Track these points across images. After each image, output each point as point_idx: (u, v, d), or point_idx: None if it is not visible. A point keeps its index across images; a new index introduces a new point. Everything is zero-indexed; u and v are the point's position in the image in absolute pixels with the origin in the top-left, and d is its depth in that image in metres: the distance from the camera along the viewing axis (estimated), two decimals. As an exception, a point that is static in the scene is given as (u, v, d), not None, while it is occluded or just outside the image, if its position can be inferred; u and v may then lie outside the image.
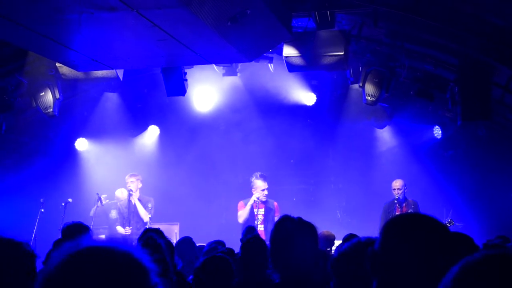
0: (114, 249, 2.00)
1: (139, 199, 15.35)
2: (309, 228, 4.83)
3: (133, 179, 15.47)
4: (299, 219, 4.87)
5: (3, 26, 9.49)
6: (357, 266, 3.47)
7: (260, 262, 6.64)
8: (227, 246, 9.76)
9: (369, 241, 3.71)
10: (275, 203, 15.05)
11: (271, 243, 4.80)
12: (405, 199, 15.06)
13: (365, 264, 2.84)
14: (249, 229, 11.29)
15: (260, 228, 14.60)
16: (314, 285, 4.58)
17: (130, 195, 15.29)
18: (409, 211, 14.47)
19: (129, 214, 15.22)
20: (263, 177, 14.93)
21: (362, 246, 3.67)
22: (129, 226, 15.06)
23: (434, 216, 2.90)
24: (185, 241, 10.59)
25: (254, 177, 14.96)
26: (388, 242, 2.81)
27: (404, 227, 2.84)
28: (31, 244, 8.50)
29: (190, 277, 7.66)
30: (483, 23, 11.31)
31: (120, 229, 15.06)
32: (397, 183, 15.17)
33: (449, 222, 13.81)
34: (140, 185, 15.54)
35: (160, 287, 2.04)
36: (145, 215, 15.12)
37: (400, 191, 15.03)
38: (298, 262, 4.59)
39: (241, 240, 8.84)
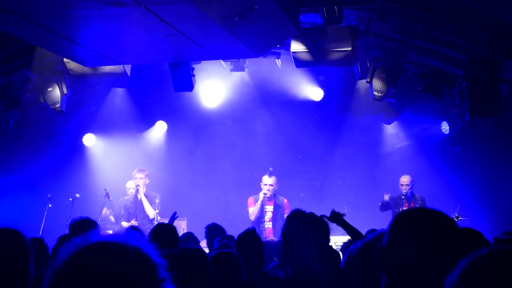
0: (122, 244, 2.02)
1: (145, 195, 15.37)
2: (322, 223, 4.83)
3: (141, 175, 15.49)
4: (312, 214, 4.87)
5: (11, 21, 9.52)
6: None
7: (255, 257, 6.66)
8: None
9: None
10: (285, 200, 15.03)
11: (282, 237, 4.80)
12: (412, 195, 15.05)
13: (374, 260, 2.83)
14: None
15: (268, 225, 14.59)
16: (325, 280, 4.57)
17: (137, 190, 15.31)
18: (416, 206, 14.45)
19: (136, 209, 15.24)
20: (269, 173, 14.95)
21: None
22: (135, 221, 15.09)
23: (442, 210, 2.89)
24: (187, 236, 10.54)
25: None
26: (395, 238, 2.80)
27: (410, 222, 2.82)
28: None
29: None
30: (491, 19, 11.29)
31: (125, 224, 15.06)
32: (405, 179, 15.15)
33: (456, 217, 13.77)
34: (147, 181, 15.56)
35: (168, 281, 2.05)
36: (151, 211, 15.14)
37: (408, 187, 15.01)
38: (310, 257, 4.59)
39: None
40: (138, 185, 15.31)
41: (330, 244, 4.88)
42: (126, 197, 15.64)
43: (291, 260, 4.71)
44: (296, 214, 4.87)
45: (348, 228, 6.94)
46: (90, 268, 1.95)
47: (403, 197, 14.92)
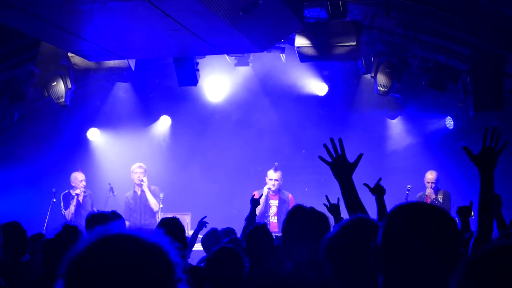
0: (143, 239, 2.03)
1: (144, 190, 15.44)
2: (322, 218, 4.82)
3: (141, 169, 15.56)
4: (312, 209, 4.85)
5: (15, 16, 9.52)
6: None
7: (264, 252, 6.65)
8: (238, 236, 9.78)
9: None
10: (290, 195, 15.06)
11: (283, 233, 4.79)
12: (437, 190, 14.93)
13: (369, 259, 2.81)
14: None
15: (273, 219, 14.62)
16: (326, 276, 4.56)
17: (140, 185, 15.35)
18: (437, 202, 14.38)
19: (135, 205, 15.26)
20: (275, 168, 14.97)
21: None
22: (138, 217, 15.12)
23: (436, 205, 2.87)
24: (212, 234, 10.50)
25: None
26: (389, 236, 2.77)
27: (404, 219, 2.78)
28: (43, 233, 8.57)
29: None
30: (495, 14, 11.27)
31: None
32: (431, 176, 14.95)
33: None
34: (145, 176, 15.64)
35: (183, 282, 2.06)
36: (155, 205, 15.17)
37: (433, 185, 14.84)
38: (310, 252, 4.57)
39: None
40: (142, 180, 15.35)
41: None
42: (127, 193, 15.66)
43: (291, 256, 4.70)
44: (297, 210, 4.86)
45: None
46: (107, 260, 1.97)
47: (427, 194, 14.81)
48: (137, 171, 15.55)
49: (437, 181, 14.99)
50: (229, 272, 5.94)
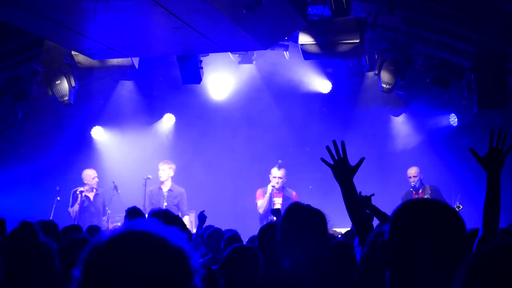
0: (167, 241, 2.03)
1: (170, 189, 15.48)
2: (319, 215, 4.81)
3: (165, 166, 15.63)
4: (309, 206, 4.85)
5: (19, 14, 9.53)
6: None
7: (275, 250, 6.62)
8: (240, 234, 9.74)
9: None
10: (294, 193, 15.08)
11: (280, 231, 4.78)
12: (421, 185, 15.00)
13: (376, 255, 2.82)
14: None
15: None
16: (325, 274, 4.55)
17: (145, 182, 15.38)
18: (426, 197, 14.38)
19: (154, 200, 15.33)
20: (278, 166, 14.98)
21: None
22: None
23: (442, 201, 2.87)
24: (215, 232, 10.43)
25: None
26: (396, 232, 2.78)
27: (411, 215, 2.79)
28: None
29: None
30: (499, 10, 11.25)
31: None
32: (412, 171, 15.11)
33: (457, 207, 13.67)
34: (171, 174, 15.70)
35: None
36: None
37: (416, 179, 14.96)
38: (308, 250, 4.56)
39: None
40: (148, 178, 15.44)
41: (328, 235, 4.84)
42: (151, 187, 15.71)
43: (289, 254, 4.69)
44: (294, 208, 4.85)
45: (377, 212, 7.01)
46: (128, 255, 1.97)
47: (411, 189, 14.89)
48: (160, 168, 15.78)
49: (420, 176, 15.03)
50: (246, 271, 5.91)
